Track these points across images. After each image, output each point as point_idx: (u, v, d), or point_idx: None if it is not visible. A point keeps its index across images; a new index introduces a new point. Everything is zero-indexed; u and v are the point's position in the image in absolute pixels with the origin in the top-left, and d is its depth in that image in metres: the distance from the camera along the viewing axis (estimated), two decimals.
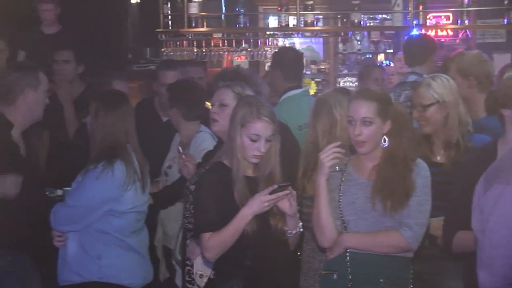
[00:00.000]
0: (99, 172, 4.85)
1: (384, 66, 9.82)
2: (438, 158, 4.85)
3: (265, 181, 4.32)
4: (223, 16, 10.21)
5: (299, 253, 4.84)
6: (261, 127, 4.29)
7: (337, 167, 4.33)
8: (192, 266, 4.85)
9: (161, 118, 6.64)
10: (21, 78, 5.03)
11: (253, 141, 4.29)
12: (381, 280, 4.24)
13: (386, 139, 4.30)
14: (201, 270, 4.73)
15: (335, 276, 4.32)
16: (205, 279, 4.70)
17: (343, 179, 4.34)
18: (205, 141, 5.51)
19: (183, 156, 5.19)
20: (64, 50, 7.22)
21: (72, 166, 5.16)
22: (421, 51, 7.25)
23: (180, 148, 5.33)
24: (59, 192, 5.65)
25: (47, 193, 5.54)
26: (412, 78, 6.91)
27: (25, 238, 4.85)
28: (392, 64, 10.32)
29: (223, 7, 10.34)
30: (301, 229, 4.45)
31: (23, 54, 7.78)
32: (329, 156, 4.29)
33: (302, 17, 9.60)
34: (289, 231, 4.34)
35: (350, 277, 4.27)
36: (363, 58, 11.85)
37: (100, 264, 4.91)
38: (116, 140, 4.90)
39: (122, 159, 4.89)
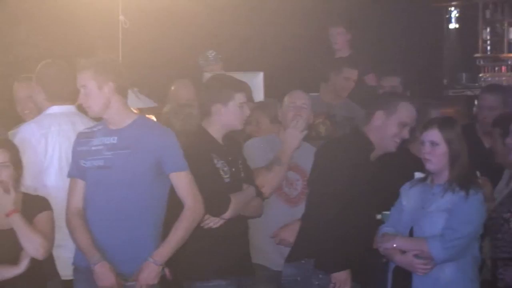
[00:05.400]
0: (480, 197, 4.78)
1: None
2: None
3: None
4: None
5: None
6: None
7: None
8: None
9: (484, 145, 6.53)
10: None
11: None
12: None
13: None
14: None
15: None
16: None
17: None
18: None
19: None
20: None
21: (390, 191, 5.20)
22: None
23: None
24: (378, 216, 5.71)
25: None
26: None
27: (353, 260, 4.97)
28: None
29: None
30: None
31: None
32: None
33: None
34: None
35: None
36: None
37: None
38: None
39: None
